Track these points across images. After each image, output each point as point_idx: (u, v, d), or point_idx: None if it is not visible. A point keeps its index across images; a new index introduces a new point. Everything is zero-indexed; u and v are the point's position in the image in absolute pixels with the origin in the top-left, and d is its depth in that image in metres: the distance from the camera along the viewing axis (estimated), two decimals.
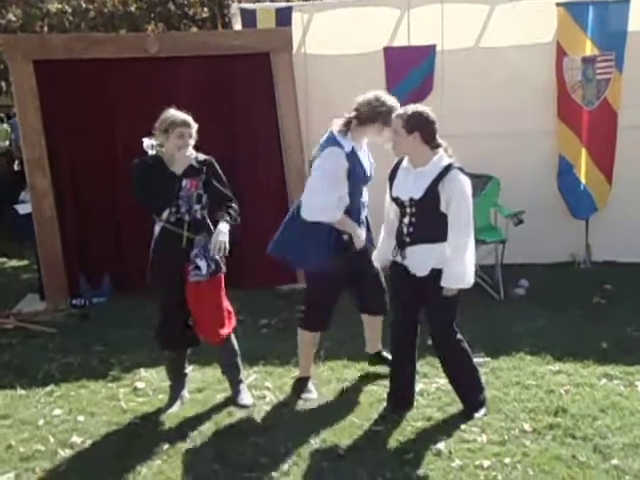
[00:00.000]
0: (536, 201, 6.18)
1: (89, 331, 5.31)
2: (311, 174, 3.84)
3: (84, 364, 4.62)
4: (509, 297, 5.67)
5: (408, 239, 3.54)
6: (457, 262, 3.42)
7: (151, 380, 4.30)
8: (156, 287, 3.84)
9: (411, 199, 3.48)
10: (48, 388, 4.24)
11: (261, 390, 4.11)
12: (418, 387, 3.96)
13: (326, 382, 4.20)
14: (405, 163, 3.58)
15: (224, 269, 3.84)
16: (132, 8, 11.55)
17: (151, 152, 3.81)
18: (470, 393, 3.71)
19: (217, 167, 3.86)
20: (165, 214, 3.72)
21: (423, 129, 3.43)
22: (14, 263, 8.05)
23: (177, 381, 4.02)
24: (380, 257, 3.82)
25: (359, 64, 6.37)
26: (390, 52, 6.37)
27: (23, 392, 4.19)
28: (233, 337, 3.96)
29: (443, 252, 3.46)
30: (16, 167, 11.44)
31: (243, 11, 6.67)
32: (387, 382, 4.08)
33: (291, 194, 6.25)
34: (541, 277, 6.04)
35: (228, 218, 3.75)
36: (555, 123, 6.39)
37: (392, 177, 3.62)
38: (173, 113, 3.73)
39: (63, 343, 5.04)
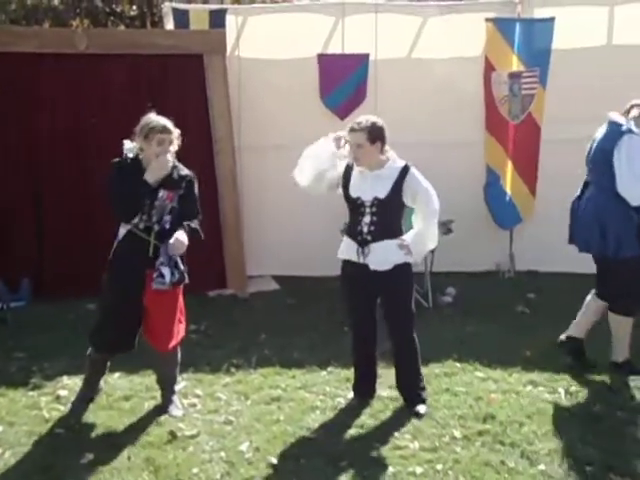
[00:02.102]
0: (463, 210, 6.29)
1: (7, 337, 5.06)
2: (615, 163, 4.04)
3: (2, 371, 4.40)
4: (437, 305, 5.77)
5: (370, 237, 3.72)
6: (425, 241, 3.81)
7: (74, 388, 4.11)
8: (109, 287, 3.73)
9: (375, 198, 3.67)
10: None
11: (191, 398, 4.02)
12: (348, 395, 3.99)
13: (258, 389, 4.15)
14: (360, 167, 3.74)
15: (187, 279, 3.78)
16: (56, 2, 11.18)
17: (131, 155, 3.71)
18: (417, 389, 3.87)
19: (195, 185, 3.82)
20: (135, 219, 3.63)
21: (383, 138, 3.69)
22: None
23: (93, 380, 3.93)
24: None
25: (293, 69, 6.38)
26: (324, 59, 6.39)
27: None
28: (179, 348, 3.89)
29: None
30: None
31: (175, 11, 6.55)
32: (319, 390, 4.11)
33: (222, 197, 6.18)
34: (467, 285, 6.17)
35: (187, 228, 3.71)
36: (482, 134, 6.56)
37: (346, 179, 3.79)
38: (153, 118, 3.66)
39: None
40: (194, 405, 3.92)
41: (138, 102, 5.85)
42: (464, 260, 6.49)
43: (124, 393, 4.06)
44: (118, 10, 11.70)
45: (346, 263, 3.87)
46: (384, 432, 3.59)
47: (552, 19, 6.24)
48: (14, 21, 10.26)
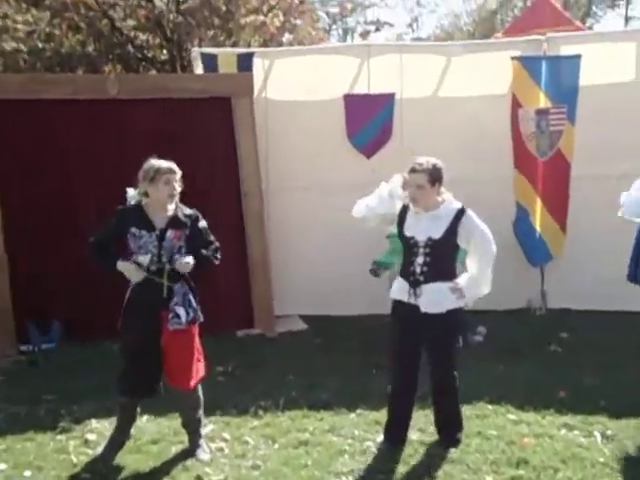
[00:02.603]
0: None
1: (38, 379, 5.09)
2: None
3: (31, 414, 4.41)
4: (467, 344, 5.67)
5: (422, 278, 3.71)
6: (479, 285, 3.75)
7: (103, 432, 4.12)
8: (127, 332, 3.77)
9: (429, 239, 3.68)
10: None
11: (219, 442, 3.98)
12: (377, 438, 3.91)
13: (285, 432, 4.10)
14: (417, 208, 3.75)
15: (201, 318, 3.82)
16: (90, 49, 11.50)
17: (133, 202, 3.80)
18: (454, 430, 3.87)
19: (201, 220, 3.86)
20: (146, 262, 3.68)
21: (441, 180, 3.70)
22: None
23: (124, 424, 3.91)
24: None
25: (319, 111, 6.43)
26: (350, 99, 6.44)
27: None
28: (200, 387, 3.89)
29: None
30: None
31: (204, 55, 6.69)
32: (347, 433, 4.04)
33: (249, 237, 6.20)
34: (498, 324, 6.07)
35: (201, 253, 3.78)
36: (510, 171, 6.53)
37: (402, 219, 3.82)
38: (156, 161, 3.73)
39: (10, 391, 4.82)
40: (221, 449, 3.88)
41: (167, 145, 5.99)
42: (494, 298, 6.26)
43: (152, 437, 4.04)
44: (149, 55, 11.98)
45: (397, 303, 3.85)
46: (414, 477, 3.50)
47: (578, 56, 6.23)
48: (49, 68, 10.56)
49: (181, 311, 3.69)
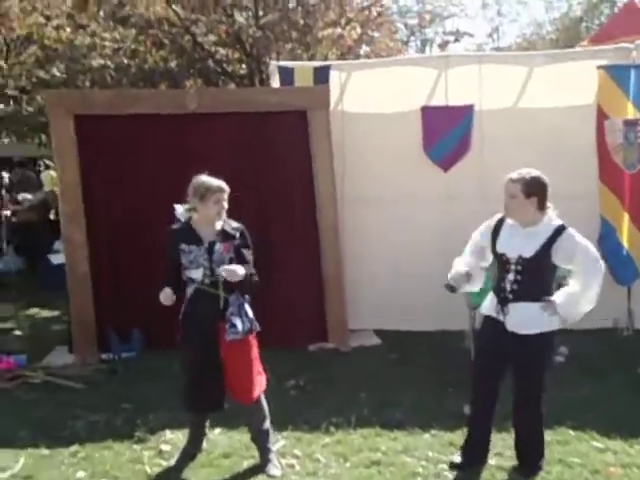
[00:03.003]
0: None
1: (117, 387, 5.21)
2: None
3: (110, 423, 4.51)
4: (549, 365, 5.44)
5: (511, 296, 3.58)
6: (580, 302, 3.55)
7: (177, 443, 4.16)
8: (185, 347, 3.79)
9: (520, 257, 3.53)
10: (72, 448, 4.12)
11: (290, 458, 3.95)
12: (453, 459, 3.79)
13: (357, 451, 4.02)
14: (510, 220, 3.63)
15: (258, 327, 3.84)
16: (172, 64, 11.83)
17: (183, 219, 3.89)
18: (535, 457, 3.72)
19: (247, 235, 3.91)
20: (199, 276, 3.73)
21: (541, 194, 3.53)
22: (45, 314, 8.04)
23: (194, 438, 3.97)
24: (459, 276, 3.79)
25: (396, 123, 6.36)
26: (428, 112, 6.35)
27: (47, 452, 4.08)
28: (263, 398, 3.88)
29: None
30: (52, 216, 11.59)
31: (281, 69, 6.74)
32: (421, 455, 3.93)
33: (324, 253, 6.17)
34: (581, 344, 5.79)
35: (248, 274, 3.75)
36: (596, 186, 6.27)
37: (496, 232, 3.68)
38: (207, 179, 3.80)
39: (90, 400, 4.94)
40: (292, 466, 3.85)
41: (245, 157, 6.07)
42: None
43: (224, 450, 4.04)
44: (229, 70, 12.21)
45: (487, 319, 3.76)
46: None
47: None
48: (133, 84, 10.90)
49: (237, 321, 3.72)
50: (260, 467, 3.81)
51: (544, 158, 6.15)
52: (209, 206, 3.74)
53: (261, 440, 3.87)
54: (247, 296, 3.86)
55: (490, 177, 5.75)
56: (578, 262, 3.52)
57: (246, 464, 3.89)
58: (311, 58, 11.11)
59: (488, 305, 3.75)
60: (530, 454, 3.73)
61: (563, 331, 5.88)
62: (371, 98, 6.47)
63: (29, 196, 11.70)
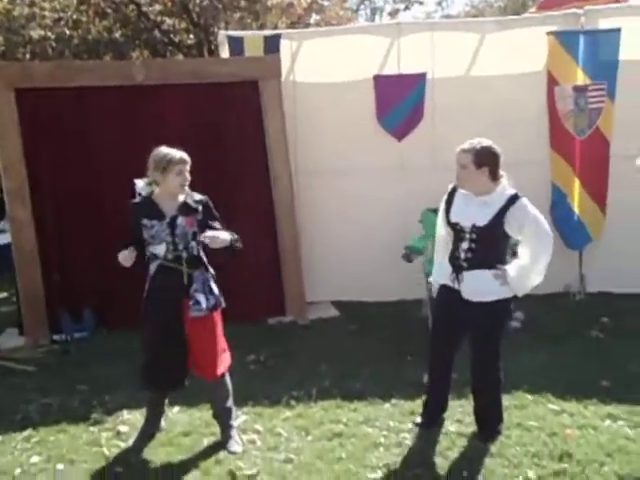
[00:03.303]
0: None
1: (70, 369, 5.08)
2: None
3: (64, 405, 4.40)
4: (505, 331, 5.51)
5: (466, 264, 3.60)
6: (529, 275, 3.56)
7: (135, 423, 4.07)
8: (148, 324, 3.70)
9: (474, 226, 3.54)
10: (26, 432, 4.01)
11: (251, 433, 3.92)
12: (414, 430, 3.83)
13: (319, 424, 4.01)
14: (463, 190, 3.62)
15: (223, 304, 3.78)
16: (117, 35, 11.46)
17: (144, 193, 3.77)
18: (493, 422, 3.76)
19: (212, 206, 3.81)
20: (162, 251, 3.63)
21: (492, 164, 3.52)
22: None
23: (152, 418, 3.91)
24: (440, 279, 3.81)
25: (349, 92, 6.28)
26: (380, 80, 6.27)
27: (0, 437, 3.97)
28: (228, 375, 3.84)
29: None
30: None
31: (230, 38, 6.56)
32: (382, 425, 3.95)
33: (280, 223, 6.10)
34: (536, 309, 5.88)
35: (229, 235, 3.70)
36: (546, 152, 6.32)
37: (449, 202, 3.69)
38: (168, 150, 3.67)
39: (43, 382, 4.81)
40: (253, 442, 3.81)
41: (195, 130, 5.92)
42: None
43: (183, 429, 3.98)
44: (176, 40, 11.89)
45: (442, 288, 3.78)
46: (453, 472, 3.40)
47: (618, 30, 5.97)
48: (76, 55, 10.53)
49: (201, 298, 3.65)
50: (221, 444, 3.77)
51: (496, 126, 6.16)
52: (171, 178, 3.63)
53: (224, 417, 3.83)
54: (212, 271, 3.78)
55: (442, 146, 5.75)
56: (527, 233, 3.53)
57: (206, 442, 3.84)
58: (260, 27, 10.90)
59: (441, 273, 3.76)
60: (488, 419, 3.78)
61: (517, 297, 6.05)
62: (323, 67, 6.35)
63: None
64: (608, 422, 3.86)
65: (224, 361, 3.79)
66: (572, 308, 6.08)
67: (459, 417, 3.94)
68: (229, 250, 3.68)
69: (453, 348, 3.78)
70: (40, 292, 5.81)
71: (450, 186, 3.73)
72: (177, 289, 3.64)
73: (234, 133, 6.07)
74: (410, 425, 3.93)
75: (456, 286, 3.64)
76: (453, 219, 3.64)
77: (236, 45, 6.46)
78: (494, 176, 3.53)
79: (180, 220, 3.65)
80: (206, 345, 3.70)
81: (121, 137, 5.91)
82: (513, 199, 3.51)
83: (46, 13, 10.71)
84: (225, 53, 6.64)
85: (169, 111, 5.93)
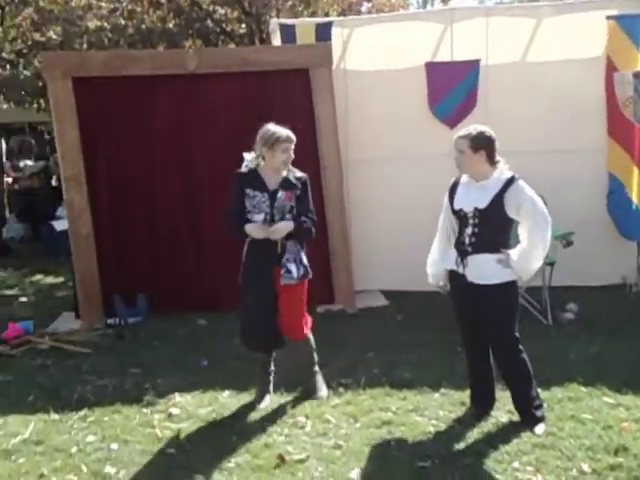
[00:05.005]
0: (585, 221, 5.93)
1: (124, 352, 5.19)
2: None
3: (118, 387, 4.50)
4: (558, 322, 5.42)
5: (470, 248, 3.66)
6: (529, 259, 3.59)
7: (186, 406, 4.15)
8: (246, 288, 4.00)
9: (475, 209, 3.62)
10: (82, 412, 4.11)
11: (299, 418, 3.93)
12: (464, 420, 3.79)
13: (367, 412, 4.00)
14: (465, 178, 3.75)
15: (311, 274, 4.06)
16: (170, 25, 11.59)
17: (251, 166, 4.01)
18: (529, 406, 3.71)
19: (309, 184, 4.09)
20: (260, 220, 3.92)
21: (488, 148, 3.60)
22: (50, 280, 8.03)
23: (265, 377, 4.20)
24: (436, 269, 3.92)
25: (400, 80, 6.23)
26: (432, 68, 6.20)
27: (57, 416, 4.07)
28: (311, 334, 4.19)
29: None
30: (54, 182, 11.52)
31: (282, 26, 6.57)
32: (431, 414, 3.92)
33: (329, 210, 6.09)
34: (591, 301, 5.77)
35: (298, 222, 3.97)
36: (604, 140, 6.15)
37: (452, 192, 3.78)
38: (276, 128, 3.95)
39: (98, 364, 4.93)
40: (302, 427, 3.83)
41: (246, 118, 5.94)
42: (586, 273, 6.08)
43: (232, 412, 4.04)
44: (228, 29, 11.97)
45: (450, 273, 3.83)
46: (503, 462, 3.35)
47: None
48: (131, 45, 10.70)
49: (292, 267, 3.93)
50: (308, 393, 4.17)
51: (552, 113, 6.10)
52: (277, 155, 3.90)
53: (308, 369, 4.20)
54: (304, 243, 4.04)
55: (497, 133, 5.63)
56: (524, 215, 3.57)
57: (256, 426, 3.86)
58: (312, 15, 10.88)
59: (449, 259, 3.81)
60: (523, 403, 3.74)
61: (572, 288, 5.92)
62: (374, 55, 6.32)
63: (30, 163, 11.62)
64: None
65: (308, 322, 4.14)
66: (628, 300, 5.93)
67: (510, 407, 3.87)
68: (297, 233, 3.96)
69: (479, 335, 3.78)
70: (96, 277, 5.96)
71: (452, 179, 3.82)
72: (271, 258, 3.91)
73: (284, 121, 6.05)
74: (460, 414, 3.89)
75: (461, 270, 3.70)
76: (457, 206, 3.73)
77: (288, 33, 6.48)
78: (491, 160, 3.61)
79: (280, 194, 3.94)
80: (294, 310, 4.01)
81: (172, 124, 6.00)
82: (510, 181, 3.58)
83: (102, 4, 10.90)
84: (277, 41, 6.66)
85: (220, 99, 5.99)
